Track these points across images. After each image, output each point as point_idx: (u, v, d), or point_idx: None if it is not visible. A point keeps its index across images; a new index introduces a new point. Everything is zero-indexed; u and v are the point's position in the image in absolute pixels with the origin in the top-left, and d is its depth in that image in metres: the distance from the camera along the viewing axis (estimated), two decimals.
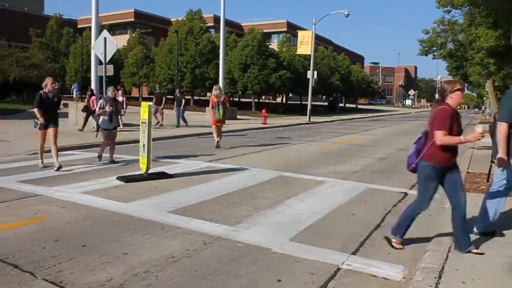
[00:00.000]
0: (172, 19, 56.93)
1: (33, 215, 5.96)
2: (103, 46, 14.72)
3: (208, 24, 47.83)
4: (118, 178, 8.46)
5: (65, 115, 21.93)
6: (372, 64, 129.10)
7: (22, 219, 5.77)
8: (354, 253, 4.82)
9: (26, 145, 12.90)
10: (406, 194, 7.91)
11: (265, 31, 48.61)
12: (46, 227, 5.45)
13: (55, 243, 4.89)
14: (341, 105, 56.78)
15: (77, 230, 5.39)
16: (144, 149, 8.58)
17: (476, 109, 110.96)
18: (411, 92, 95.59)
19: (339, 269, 4.37)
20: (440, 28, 28.56)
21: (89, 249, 4.71)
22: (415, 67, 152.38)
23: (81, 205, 6.50)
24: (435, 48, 29.41)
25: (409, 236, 5.48)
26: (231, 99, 48.12)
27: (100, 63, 15.92)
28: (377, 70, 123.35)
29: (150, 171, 8.71)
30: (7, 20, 45.38)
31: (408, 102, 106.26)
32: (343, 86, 53.66)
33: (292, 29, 67.17)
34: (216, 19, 57.21)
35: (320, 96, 59.16)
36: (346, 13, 34.33)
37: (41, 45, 49.10)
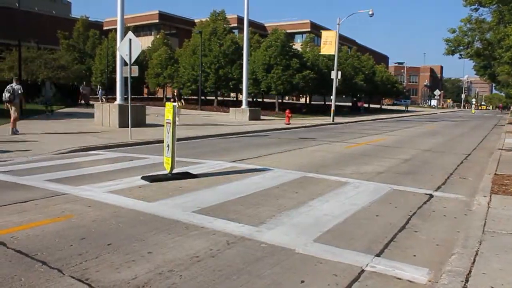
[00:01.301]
0: (196, 20, 57.36)
1: (60, 213, 6.07)
2: (128, 48, 14.89)
3: (232, 25, 48.07)
4: (142, 178, 8.55)
5: (91, 115, 22.34)
6: (396, 64, 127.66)
7: (50, 217, 5.88)
8: (378, 255, 4.76)
9: (53, 145, 13.15)
10: (431, 196, 7.79)
11: (288, 31, 48.59)
12: (73, 226, 5.55)
13: (81, 241, 4.97)
14: (365, 105, 56.21)
15: (102, 228, 5.46)
16: (168, 149, 8.64)
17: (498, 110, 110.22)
18: (437, 92, 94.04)
19: (363, 271, 4.33)
20: (467, 26, 28.06)
21: (114, 248, 4.77)
22: (441, 67, 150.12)
23: (107, 204, 6.59)
24: (461, 47, 28.90)
25: (434, 238, 5.40)
26: (254, 99, 48.19)
27: (125, 64, 16.10)
28: (402, 70, 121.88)
29: (174, 171, 8.78)
30: (36, 23, 46.38)
31: (433, 102, 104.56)
32: (367, 86, 53.17)
33: (316, 29, 66.94)
34: (240, 20, 57.48)
35: (344, 96, 58.74)
36: (370, 12, 34.03)
37: (68, 47, 50.05)
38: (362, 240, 5.26)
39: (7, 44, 37.13)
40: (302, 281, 4.06)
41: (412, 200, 7.44)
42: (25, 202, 6.63)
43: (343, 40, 61.16)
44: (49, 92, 26.37)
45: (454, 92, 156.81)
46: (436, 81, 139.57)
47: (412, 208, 6.86)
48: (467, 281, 3.95)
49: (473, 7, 24.38)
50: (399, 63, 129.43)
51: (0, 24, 43.52)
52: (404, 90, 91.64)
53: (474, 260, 4.45)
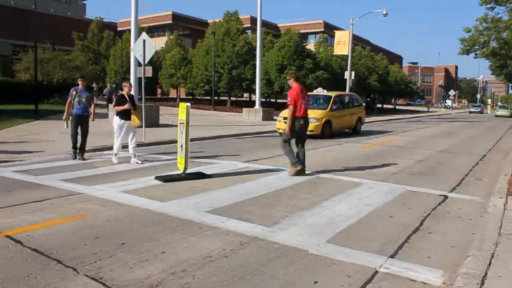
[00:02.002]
0: (209, 21, 57.44)
1: (75, 212, 6.13)
2: (142, 48, 14.99)
3: (245, 25, 48.04)
4: (156, 178, 8.59)
5: (106, 115, 22.50)
6: (410, 64, 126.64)
7: (64, 216, 5.94)
8: (392, 256, 4.72)
9: (68, 145, 13.27)
10: (446, 197, 7.71)
11: (301, 31, 48.51)
12: (87, 225, 5.60)
13: (95, 240, 5.01)
14: (378, 105, 55.84)
15: (116, 228, 5.50)
16: (182, 149, 8.67)
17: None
18: (451, 92, 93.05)
19: (376, 272, 4.30)
20: (483, 26, 27.76)
21: (128, 247, 4.80)
22: (456, 67, 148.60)
23: (120, 204, 6.64)
24: (477, 47, 28.61)
25: (449, 240, 5.35)
26: (267, 100, 48.16)
27: (139, 64, 16.20)
28: (416, 70, 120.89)
29: (187, 171, 8.81)
30: (52, 24, 46.85)
31: (448, 102, 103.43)
32: (381, 86, 52.84)
33: (329, 29, 66.69)
34: (253, 20, 57.50)
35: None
36: (384, 12, 33.85)
37: (83, 48, 50.48)
38: (376, 241, 5.23)
39: (23, 46, 37.59)
40: (316, 282, 4.05)
41: (427, 201, 7.37)
42: (41, 201, 6.71)
43: (356, 40, 60.82)
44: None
45: (469, 92, 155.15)
46: (451, 81, 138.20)
47: (426, 209, 6.80)
48: (482, 283, 3.90)
49: (489, 6, 24.14)
50: (413, 63, 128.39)
51: (16, 25, 44.06)
52: (418, 90, 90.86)
53: (490, 262, 4.39)
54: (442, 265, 4.48)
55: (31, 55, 30.75)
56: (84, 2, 67.40)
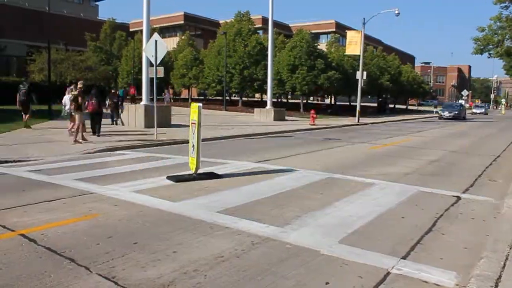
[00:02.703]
0: (220, 21, 57.58)
1: (88, 212, 6.18)
2: (154, 49, 15.06)
3: (257, 26, 48.10)
4: (168, 177, 8.63)
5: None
6: (423, 64, 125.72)
7: (77, 215, 5.99)
8: (404, 258, 4.69)
9: (81, 144, 13.38)
10: (459, 198, 7.64)
11: (313, 31, 48.38)
12: (100, 224, 5.64)
13: (108, 239, 5.04)
14: (390, 106, 55.51)
15: (128, 227, 5.54)
16: (193, 150, 8.70)
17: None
18: (464, 92, 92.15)
19: (388, 273, 4.27)
20: (497, 25, 27.46)
21: (140, 247, 4.83)
22: (469, 67, 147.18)
23: (133, 204, 6.67)
24: (491, 46, 28.30)
25: (462, 242, 5.30)
26: (279, 100, 48.13)
27: (151, 65, 16.29)
28: (429, 70, 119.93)
29: (199, 171, 8.83)
30: (65, 25, 47.23)
31: (461, 102, 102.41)
32: (393, 86, 52.52)
33: (341, 29, 66.42)
34: (265, 21, 57.46)
35: (369, 96, 58.16)
36: (396, 12, 33.61)
37: (95, 49, 50.82)
38: (388, 242, 5.20)
39: (37, 47, 37.98)
40: (327, 283, 4.04)
41: (439, 202, 7.31)
42: (54, 200, 6.78)
43: (368, 40, 60.52)
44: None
45: (483, 93, 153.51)
46: (464, 81, 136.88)
47: (439, 210, 6.75)
48: (496, 285, 3.86)
49: (503, 4, 23.87)
50: (425, 63, 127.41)
51: (30, 27, 44.51)
52: (431, 91, 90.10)
53: (504, 264, 4.35)
54: (455, 267, 4.45)
55: (44, 56, 31.06)
56: (96, 3, 67.86)
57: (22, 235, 5.11)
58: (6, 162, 10.33)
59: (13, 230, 5.27)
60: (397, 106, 63.70)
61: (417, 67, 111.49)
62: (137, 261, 4.41)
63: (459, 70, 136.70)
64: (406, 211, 6.68)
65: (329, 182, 8.84)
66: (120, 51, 51.16)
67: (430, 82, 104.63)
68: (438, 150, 14.78)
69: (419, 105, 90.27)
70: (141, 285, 3.88)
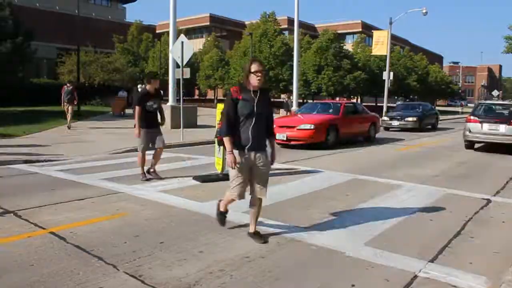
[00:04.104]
0: (246, 22, 57.73)
1: (115, 211, 6.28)
2: (181, 50, 15.19)
3: (282, 26, 48.05)
4: (194, 178, 8.69)
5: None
6: (451, 64, 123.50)
7: (105, 214, 6.09)
8: (432, 261, 4.61)
9: (108, 145, 13.61)
10: (489, 201, 7.47)
11: (339, 32, 48.10)
12: (127, 223, 5.72)
13: (135, 238, 5.11)
14: None
15: (155, 227, 5.60)
16: (219, 150, 8.74)
17: None
18: (495, 92, 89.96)
19: (416, 276, 4.20)
20: None
21: (166, 246, 4.88)
22: (500, 66, 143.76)
23: (159, 203, 6.75)
24: None
25: (492, 246, 5.18)
26: (304, 100, 48.00)
27: (178, 66, 16.44)
28: (457, 70, 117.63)
29: (225, 171, 8.85)
30: (94, 28, 48.08)
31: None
32: (420, 87, 51.79)
33: (367, 29, 65.78)
34: (290, 21, 57.31)
35: (396, 97, 57.47)
36: (424, 11, 33.11)
37: (123, 50, 51.56)
38: (415, 244, 5.12)
39: (67, 49, 38.72)
40: (353, 285, 4.00)
41: (468, 205, 7.16)
42: (83, 199, 6.91)
43: (395, 40, 59.81)
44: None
45: None
46: (495, 81, 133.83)
47: (467, 213, 6.61)
48: None
49: None
50: (454, 62, 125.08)
51: (60, 29, 45.45)
52: (460, 91, 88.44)
53: None
54: (485, 272, 4.34)
55: (74, 58, 31.65)
56: (124, 6, 68.91)
57: (53, 233, 5.22)
58: (38, 161, 10.58)
59: (44, 228, 5.39)
60: None
61: (445, 67, 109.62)
62: (163, 260, 4.45)
63: (489, 70, 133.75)
64: (433, 213, 6.57)
65: (355, 183, 8.77)
66: (147, 53, 51.78)
67: (459, 82, 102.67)
68: (466, 152, 14.48)
69: (447, 105, 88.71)
70: (167, 284, 3.92)
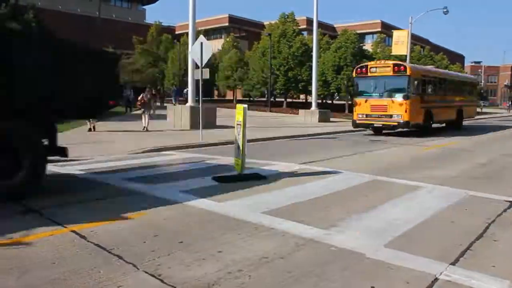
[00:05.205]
0: (265, 23, 57.70)
1: (135, 210, 6.32)
2: (200, 51, 15.26)
3: (301, 27, 47.94)
4: (213, 178, 8.71)
5: (164, 117, 23.15)
6: (473, 64, 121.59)
7: (125, 214, 6.13)
8: (453, 264, 4.53)
9: (128, 145, 13.75)
10: None
11: (358, 31, 47.74)
12: (146, 223, 5.76)
13: (154, 238, 5.14)
14: None
15: (174, 226, 5.63)
16: (238, 150, 8.75)
17: None
18: None
19: (436, 279, 4.13)
20: None
21: (185, 246, 4.90)
22: None
23: (178, 203, 6.77)
24: None
25: None
26: (323, 101, 47.76)
27: (197, 67, 16.52)
28: (479, 70, 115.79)
29: (244, 172, 8.87)
30: (114, 29, 48.75)
31: None
32: None
33: (387, 29, 65.21)
34: (309, 22, 57.17)
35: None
36: (444, 10, 32.69)
37: (142, 51, 52.08)
38: (436, 247, 5.04)
39: None
40: (373, 287, 3.96)
41: (490, 207, 7.03)
42: (104, 199, 6.99)
43: (415, 39, 59.15)
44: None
45: None
46: None
47: (490, 215, 6.48)
48: None
49: None
50: (475, 62, 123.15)
51: (81, 31, 46.15)
52: (482, 91, 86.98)
53: None
54: (508, 275, 4.25)
55: None
56: (144, 7, 69.63)
57: (74, 231, 5.29)
58: (59, 161, 10.73)
59: (65, 227, 5.47)
60: None
61: (467, 67, 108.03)
62: (182, 260, 4.47)
63: None
64: (455, 215, 6.46)
65: (375, 184, 8.69)
66: (167, 54, 52.18)
67: (481, 82, 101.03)
68: (489, 153, 14.24)
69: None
70: (186, 283, 3.93)
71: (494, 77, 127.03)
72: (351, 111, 36.72)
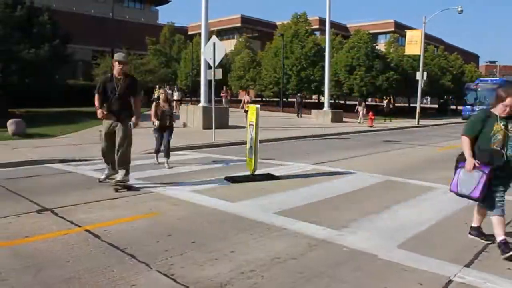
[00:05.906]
0: (277, 23, 57.62)
1: (148, 210, 6.37)
2: (212, 51, 15.29)
3: (314, 27, 47.79)
4: (226, 178, 8.73)
5: (176, 117, 23.20)
6: (488, 63, 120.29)
7: (138, 213, 6.18)
8: (467, 266, 4.49)
9: (141, 145, 13.81)
10: None
11: (371, 31, 47.46)
12: (159, 222, 5.79)
13: (167, 237, 5.17)
14: (452, 107, 53.48)
15: (187, 226, 5.65)
16: (251, 151, 8.76)
17: None
18: None
19: (450, 281, 4.10)
20: None
21: (198, 245, 4.91)
22: None
23: (191, 203, 6.81)
24: None
25: None
26: (336, 101, 47.59)
27: (209, 67, 16.57)
28: (494, 70, 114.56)
29: (256, 172, 8.88)
30: (127, 30, 48.99)
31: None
32: (455, 87, 50.60)
33: (400, 29, 64.70)
34: (322, 22, 56.97)
35: (429, 98, 56.30)
36: (459, 9, 32.34)
37: (155, 52, 52.30)
38: (450, 248, 5.01)
39: (101, 51, 39.62)
40: None
41: (507, 207, 6.93)
42: (116, 198, 7.04)
43: (429, 39, 58.59)
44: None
45: None
46: None
47: (506, 216, 6.39)
48: None
49: None
50: (491, 62, 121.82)
51: (95, 32, 46.53)
52: None
53: None
54: None
55: (108, 60, 32.30)
56: (156, 8, 69.97)
57: (88, 230, 5.34)
58: (73, 161, 10.85)
59: (79, 226, 5.52)
60: (459, 107, 61.33)
61: (482, 67, 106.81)
62: (195, 260, 4.49)
63: None
64: (469, 217, 6.37)
65: (388, 185, 8.64)
66: (179, 54, 52.34)
67: None
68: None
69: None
70: (199, 283, 3.95)
71: (510, 76, 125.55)
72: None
